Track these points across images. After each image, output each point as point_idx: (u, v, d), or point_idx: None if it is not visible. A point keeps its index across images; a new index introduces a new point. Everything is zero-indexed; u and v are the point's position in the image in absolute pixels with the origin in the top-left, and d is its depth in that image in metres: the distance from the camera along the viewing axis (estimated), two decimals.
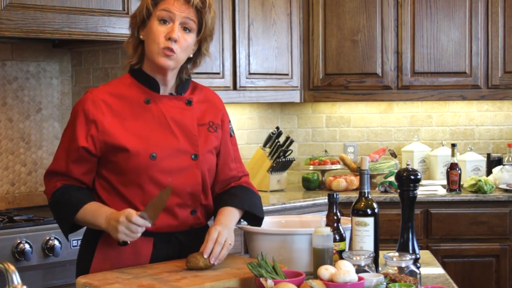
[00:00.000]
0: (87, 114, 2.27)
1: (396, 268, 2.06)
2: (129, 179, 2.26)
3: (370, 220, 2.24)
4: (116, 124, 2.27)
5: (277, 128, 4.56)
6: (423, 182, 4.57)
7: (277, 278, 1.95)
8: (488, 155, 4.78)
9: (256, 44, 4.31)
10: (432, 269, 2.47)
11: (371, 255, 2.10)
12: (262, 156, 4.48)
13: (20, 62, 3.78)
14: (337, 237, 2.26)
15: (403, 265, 2.06)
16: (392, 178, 4.43)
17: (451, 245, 4.32)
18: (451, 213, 4.32)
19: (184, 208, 2.31)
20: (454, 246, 4.33)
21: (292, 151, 4.52)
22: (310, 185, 4.60)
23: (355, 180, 4.52)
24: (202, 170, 2.32)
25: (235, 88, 4.21)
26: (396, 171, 3.82)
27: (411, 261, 2.08)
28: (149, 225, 2.13)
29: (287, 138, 4.52)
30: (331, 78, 4.63)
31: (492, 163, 4.73)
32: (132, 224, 2.11)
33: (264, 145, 4.54)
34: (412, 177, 2.32)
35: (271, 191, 4.47)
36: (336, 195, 2.31)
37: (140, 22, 2.31)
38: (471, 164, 4.67)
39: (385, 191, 4.40)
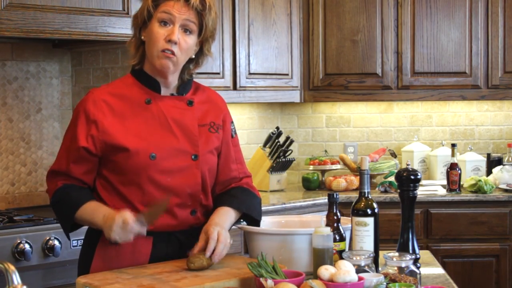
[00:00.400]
0: (87, 114, 2.28)
1: (396, 268, 2.06)
2: (128, 179, 2.26)
3: (370, 220, 2.24)
4: (116, 124, 2.27)
5: (277, 128, 4.56)
6: (423, 182, 4.57)
7: (277, 278, 1.95)
8: (488, 155, 4.78)
9: (256, 44, 4.31)
10: (432, 269, 2.47)
11: (371, 255, 2.10)
12: (262, 156, 4.48)
13: (20, 62, 3.78)
14: (337, 237, 2.26)
15: (403, 265, 2.06)
16: (392, 178, 4.43)
17: (451, 245, 4.32)
18: (451, 213, 4.32)
19: (184, 208, 2.31)
20: (454, 246, 4.33)
21: (292, 151, 4.52)
22: (310, 185, 4.60)
23: (355, 180, 4.52)
24: (202, 171, 2.32)
25: (235, 88, 4.21)
26: (396, 171, 3.82)
27: (411, 261, 2.08)
28: (144, 231, 2.14)
29: (287, 138, 4.52)
30: (331, 78, 4.63)
31: (492, 163, 4.73)
32: (127, 226, 2.11)
33: (264, 145, 4.54)
34: (412, 177, 2.32)
35: (271, 191, 4.47)
36: (336, 195, 2.31)
37: (141, 23, 2.32)
38: (471, 164, 4.67)
39: (385, 191, 4.40)
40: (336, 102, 4.89)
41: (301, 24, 4.60)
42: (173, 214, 2.30)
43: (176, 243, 2.33)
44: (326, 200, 2.64)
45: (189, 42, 2.29)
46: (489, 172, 4.68)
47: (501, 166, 4.60)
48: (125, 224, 2.11)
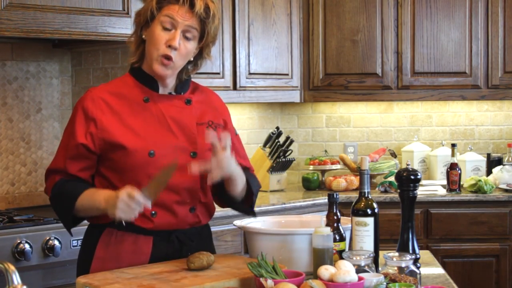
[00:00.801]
0: (86, 112, 2.28)
1: (396, 268, 2.06)
2: (127, 176, 2.27)
3: (370, 220, 2.24)
4: (115, 122, 2.28)
5: (277, 128, 4.56)
6: (423, 182, 4.57)
7: (277, 278, 1.95)
8: (488, 155, 4.78)
9: (256, 44, 4.31)
10: (432, 269, 2.47)
11: (371, 255, 2.10)
12: (262, 156, 4.48)
13: (20, 62, 3.78)
14: (337, 237, 2.26)
15: (403, 265, 2.06)
16: (392, 178, 4.43)
17: (451, 245, 4.32)
18: (451, 213, 4.32)
19: (183, 205, 2.32)
20: (454, 246, 4.33)
21: (292, 151, 4.52)
22: (310, 185, 4.60)
23: (355, 180, 4.52)
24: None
25: (235, 88, 4.21)
26: (396, 171, 3.82)
27: (411, 261, 2.08)
28: (149, 205, 2.12)
29: (287, 138, 4.52)
30: (331, 78, 4.63)
31: (492, 163, 4.73)
32: (132, 200, 2.09)
33: (264, 145, 4.54)
34: (412, 177, 2.32)
35: (271, 191, 4.47)
36: (336, 195, 2.31)
37: (143, 22, 2.32)
38: (471, 164, 4.67)
39: (385, 191, 4.40)
40: (336, 102, 4.89)
41: (301, 24, 4.60)
42: (173, 212, 2.30)
43: (176, 242, 2.33)
44: (326, 200, 2.64)
45: (189, 48, 2.30)
46: (489, 172, 4.68)
47: (501, 166, 4.60)
48: (130, 199, 2.08)
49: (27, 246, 3.04)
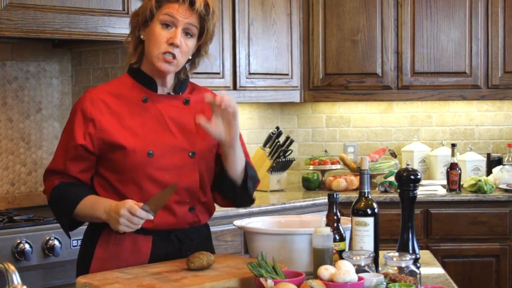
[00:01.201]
0: (85, 113, 2.28)
1: (396, 268, 2.06)
2: (126, 177, 2.27)
3: (370, 220, 2.24)
4: (113, 123, 2.28)
5: (277, 128, 4.56)
6: (423, 182, 4.57)
7: (277, 278, 1.95)
8: (488, 155, 4.78)
9: (256, 44, 4.31)
10: (432, 269, 2.47)
11: (371, 255, 2.10)
12: (262, 156, 4.48)
13: (20, 62, 3.78)
14: (337, 237, 2.26)
15: (403, 265, 2.06)
16: (392, 178, 4.43)
17: (451, 245, 4.32)
18: (451, 213, 4.32)
19: (182, 205, 2.32)
20: (454, 246, 4.33)
21: (292, 151, 4.52)
22: (310, 185, 4.60)
23: (355, 180, 4.52)
24: (200, 168, 2.33)
25: (235, 88, 4.21)
26: (396, 171, 3.82)
27: (411, 261, 2.08)
28: (151, 217, 2.14)
29: (287, 138, 4.52)
30: (331, 78, 4.63)
31: (492, 163, 4.73)
32: (134, 217, 2.12)
33: (264, 145, 4.54)
34: (412, 177, 2.32)
35: (271, 191, 4.47)
36: (336, 195, 2.31)
37: (141, 22, 2.32)
38: (471, 164, 4.67)
39: (385, 191, 4.40)
40: (336, 102, 4.89)
41: (301, 24, 4.60)
42: (172, 211, 2.30)
43: (175, 242, 2.33)
44: (326, 200, 2.64)
45: (190, 45, 2.31)
46: (489, 172, 4.68)
47: (501, 166, 4.60)
48: (131, 216, 2.11)
49: (27, 246, 3.04)
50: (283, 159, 4.46)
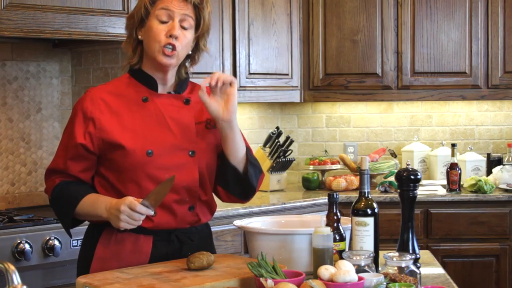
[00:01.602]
0: (85, 112, 2.29)
1: (396, 268, 2.06)
2: (126, 176, 2.27)
3: (370, 220, 2.24)
4: (113, 122, 2.28)
5: (277, 128, 4.56)
6: (423, 182, 4.57)
7: (277, 278, 1.95)
8: (488, 155, 4.78)
9: (256, 44, 4.31)
10: (432, 269, 2.47)
11: (371, 255, 2.10)
12: (262, 156, 4.48)
13: (20, 62, 3.78)
14: (337, 237, 2.26)
15: (403, 265, 2.06)
16: (392, 178, 4.43)
17: (451, 245, 4.32)
18: (451, 213, 4.32)
19: (182, 204, 2.32)
20: (454, 246, 4.33)
21: (292, 151, 4.52)
22: (310, 185, 4.60)
23: (355, 180, 4.52)
24: (200, 167, 2.33)
25: None
26: (396, 171, 3.82)
27: (411, 261, 2.08)
28: (151, 213, 2.14)
29: (287, 138, 4.52)
30: (331, 78, 4.63)
31: (492, 163, 4.73)
32: (134, 212, 2.12)
33: (264, 145, 4.54)
34: (412, 177, 2.32)
35: (271, 191, 4.47)
36: (336, 195, 2.31)
37: (138, 22, 2.33)
38: (471, 164, 4.67)
39: (385, 191, 4.40)
40: (336, 102, 4.89)
41: (301, 24, 4.60)
42: (172, 211, 2.30)
43: (176, 241, 2.33)
44: (326, 200, 2.64)
45: (188, 37, 2.31)
46: (489, 172, 4.69)
47: (501, 166, 4.60)
48: (131, 211, 2.12)
49: (27, 246, 3.04)
50: (283, 159, 4.46)
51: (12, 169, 3.76)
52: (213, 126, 2.39)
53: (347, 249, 2.30)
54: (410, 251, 2.29)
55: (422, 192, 4.34)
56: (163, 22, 2.28)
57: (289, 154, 4.49)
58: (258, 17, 4.32)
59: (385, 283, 1.96)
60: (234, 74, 4.20)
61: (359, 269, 2.03)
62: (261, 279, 1.93)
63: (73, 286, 2.14)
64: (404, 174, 2.33)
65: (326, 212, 2.34)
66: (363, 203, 2.26)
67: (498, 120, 4.97)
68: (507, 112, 4.97)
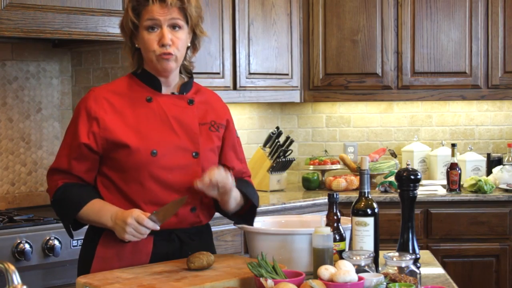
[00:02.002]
0: (89, 111, 2.29)
1: (396, 268, 2.06)
2: (129, 176, 2.27)
3: (370, 220, 2.24)
4: (117, 121, 2.28)
5: (277, 128, 4.56)
6: (423, 182, 4.57)
7: (277, 278, 1.95)
8: (488, 155, 4.78)
9: (256, 44, 4.31)
10: (432, 269, 2.47)
11: (371, 255, 2.10)
12: (262, 156, 4.48)
13: (20, 62, 3.78)
14: (337, 237, 2.26)
15: (403, 265, 2.06)
16: (392, 178, 4.43)
17: (451, 245, 4.32)
18: (451, 213, 4.32)
19: (184, 205, 2.31)
20: (454, 246, 4.33)
21: (292, 151, 4.52)
22: (310, 185, 4.60)
23: (355, 180, 4.52)
24: (203, 168, 2.33)
25: (235, 88, 4.21)
26: (396, 171, 3.82)
27: (411, 261, 2.08)
28: (157, 228, 2.16)
29: (287, 138, 4.52)
30: (331, 78, 4.63)
31: (492, 163, 4.73)
32: (141, 226, 2.14)
33: (264, 145, 4.54)
34: (412, 177, 2.32)
35: (271, 191, 4.47)
36: (336, 195, 2.31)
37: (129, 32, 2.33)
38: (471, 164, 4.67)
39: (385, 191, 4.40)
40: (336, 102, 4.89)
41: (301, 24, 4.60)
42: None
43: (177, 241, 2.33)
44: (326, 200, 2.64)
45: (182, 37, 2.31)
46: (489, 172, 4.69)
47: (501, 166, 4.60)
48: (138, 226, 2.14)
49: (27, 246, 3.03)
50: (283, 159, 4.46)
51: (12, 169, 3.76)
52: (217, 129, 2.39)
53: (347, 249, 2.30)
54: (410, 251, 2.29)
55: (422, 192, 4.34)
56: (153, 31, 2.29)
57: (289, 154, 4.49)
58: (258, 17, 4.32)
59: (385, 283, 1.96)
60: (234, 74, 4.20)
61: (359, 269, 2.03)
62: (261, 279, 1.93)
63: (73, 286, 2.14)
64: (404, 174, 2.33)
65: (326, 212, 2.34)
66: (363, 203, 2.26)
67: (498, 120, 4.97)
68: (507, 112, 4.97)
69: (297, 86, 4.58)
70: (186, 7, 2.31)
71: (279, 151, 4.45)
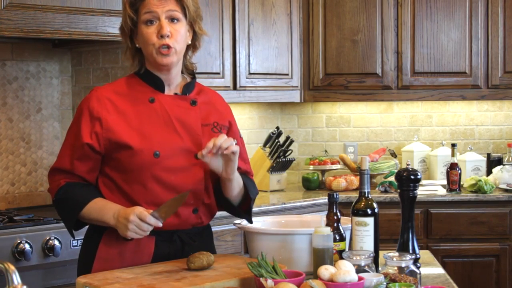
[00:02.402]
0: (91, 112, 2.29)
1: (396, 268, 2.06)
2: (132, 177, 2.27)
3: (370, 220, 2.24)
4: (120, 122, 2.28)
5: (277, 128, 4.56)
6: (423, 182, 4.57)
7: (277, 278, 1.95)
8: (488, 155, 4.78)
9: (256, 44, 4.31)
10: (432, 269, 2.47)
11: (371, 255, 2.10)
12: (262, 156, 4.48)
13: (20, 62, 3.78)
14: (337, 237, 2.26)
15: (403, 265, 2.06)
16: (392, 178, 4.43)
17: (451, 245, 4.32)
18: (451, 213, 4.32)
19: (186, 206, 2.32)
20: (454, 246, 4.33)
21: (292, 151, 4.52)
22: (310, 185, 4.60)
23: (355, 180, 4.52)
24: (205, 170, 2.33)
25: (235, 88, 4.21)
26: (396, 171, 3.82)
27: (411, 261, 2.08)
28: (160, 224, 2.16)
29: (287, 138, 4.52)
30: (331, 78, 4.63)
31: (492, 163, 4.73)
32: (143, 223, 2.13)
33: (264, 145, 4.54)
34: (412, 177, 2.32)
35: (271, 191, 4.47)
36: (336, 195, 2.31)
37: (129, 32, 2.34)
38: (471, 164, 4.67)
39: (385, 191, 4.40)
40: (336, 102, 4.89)
41: (301, 24, 4.60)
42: (176, 212, 2.30)
43: (178, 242, 2.33)
44: (326, 200, 2.64)
45: (180, 30, 2.31)
46: (489, 172, 4.69)
47: (501, 166, 4.60)
48: (141, 222, 2.13)
49: (27, 246, 3.03)
50: (283, 159, 4.46)
51: (12, 169, 3.76)
52: (219, 130, 2.39)
53: (347, 249, 2.30)
54: (410, 251, 2.29)
55: (422, 192, 4.34)
56: (151, 25, 2.29)
57: (289, 154, 4.49)
58: (258, 17, 4.32)
59: (385, 283, 1.96)
60: (234, 74, 4.20)
61: (359, 269, 2.03)
62: (261, 279, 1.93)
63: (73, 286, 2.14)
64: (404, 174, 2.33)
65: (326, 212, 2.34)
66: (363, 203, 2.26)
67: (498, 120, 4.97)
68: (507, 112, 4.97)
69: (297, 86, 4.58)
70: None
71: (279, 151, 4.45)
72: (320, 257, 2.12)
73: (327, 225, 2.26)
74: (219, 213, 2.48)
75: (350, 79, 4.62)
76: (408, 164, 2.49)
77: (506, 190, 4.42)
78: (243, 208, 2.42)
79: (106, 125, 2.27)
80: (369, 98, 4.68)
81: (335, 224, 2.28)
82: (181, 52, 2.34)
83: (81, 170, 2.30)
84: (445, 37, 4.61)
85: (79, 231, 2.41)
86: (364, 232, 2.24)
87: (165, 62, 2.29)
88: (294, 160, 4.60)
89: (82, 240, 2.45)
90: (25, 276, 1.94)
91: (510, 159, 4.59)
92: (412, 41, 4.61)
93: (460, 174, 4.38)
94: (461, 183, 4.42)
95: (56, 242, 3.10)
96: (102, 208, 2.25)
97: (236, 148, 2.23)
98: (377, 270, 2.15)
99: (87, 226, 2.40)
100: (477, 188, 4.36)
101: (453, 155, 4.44)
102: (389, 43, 4.60)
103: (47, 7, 3.23)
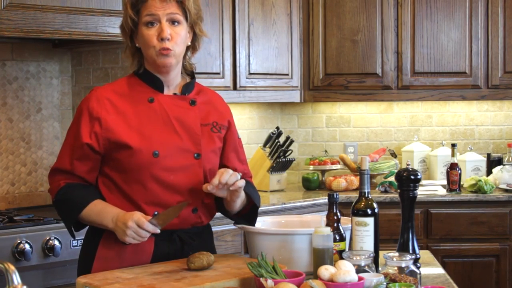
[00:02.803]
0: (91, 112, 2.29)
1: (396, 268, 2.06)
2: (131, 176, 2.27)
3: (370, 220, 2.24)
4: (119, 122, 2.28)
5: (277, 128, 4.56)
6: (423, 182, 4.57)
7: (277, 278, 1.95)
8: (488, 155, 4.78)
9: (256, 44, 4.31)
10: (432, 269, 2.47)
11: (371, 255, 2.10)
12: (262, 156, 4.48)
13: (20, 62, 3.78)
14: (337, 237, 2.26)
15: (403, 265, 2.06)
16: (392, 178, 4.43)
17: (451, 245, 4.32)
18: (451, 213, 4.32)
19: (186, 206, 2.31)
20: (454, 246, 4.33)
21: (292, 151, 4.52)
22: (310, 185, 4.60)
23: (355, 180, 4.52)
24: (205, 169, 2.33)
25: (235, 88, 4.21)
26: (396, 171, 3.82)
27: (411, 261, 2.08)
28: (158, 231, 2.17)
29: (287, 138, 4.52)
30: (331, 78, 4.63)
31: (492, 163, 4.73)
32: (141, 230, 2.14)
33: (264, 145, 4.54)
34: (412, 177, 2.32)
35: (271, 191, 4.47)
36: (336, 195, 2.31)
37: (129, 31, 2.34)
38: (471, 164, 4.67)
39: (385, 191, 4.40)
40: (336, 102, 4.89)
41: (301, 24, 4.60)
42: None
43: (178, 242, 2.33)
44: (326, 200, 2.64)
45: (180, 32, 2.31)
46: (489, 172, 4.68)
47: (501, 166, 4.60)
48: (139, 229, 2.14)
49: (27, 246, 3.03)
50: (283, 159, 4.46)
51: (12, 169, 3.76)
52: (219, 130, 2.39)
53: (347, 249, 2.30)
54: (410, 251, 2.29)
55: (422, 192, 4.34)
56: (152, 27, 2.29)
57: (289, 154, 4.49)
58: (258, 17, 4.32)
59: (385, 283, 1.96)
60: (234, 74, 4.20)
61: (359, 269, 2.03)
62: (261, 279, 1.93)
63: (73, 286, 2.14)
64: (404, 174, 2.33)
65: (326, 212, 2.34)
66: (363, 203, 2.26)
67: (498, 120, 4.97)
68: (507, 112, 4.97)
69: (297, 86, 4.58)
70: (184, 2, 2.31)
71: (279, 151, 4.45)
72: (320, 257, 2.12)
73: (327, 225, 2.26)
74: (219, 213, 2.48)
75: (350, 79, 4.62)
76: (408, 164, 2.49)
77: (506, 190, 4.42)
78: (242, 212, 2.42)
79: (106, 125, 2.28)
80: (369, 98, 4.68)
81: (335, 224, 2.28)
82: (180, 54, 2.34)
83: (81, 170, 2.31)
84: (445, 37, 4.61)
85: (78, 231, 2.41)
86: (364, 232, 2.24)
87: (164, 63, 2.30)
88: (294, 160, 4.60)
89: (82, 240, 2.45)
90: (25, 276, 1.94)
91: (510, 159, 4.59)
92: (412, 41, 4.61)
93: (460, 174, 4.38)
94: (461, 183, 4.42)
95: (56, 242, 3.10)
96: (101, 211, 2.26)
97: (241, 183, 2.24)
98: (377, 270, 2.15)
99: (87, 227, 2.40)
100: (477, 188, 4.36)
101: (453, 155, 4.44)
102: (389, 43, 4.60)
103: (47, 7, 3.23)
